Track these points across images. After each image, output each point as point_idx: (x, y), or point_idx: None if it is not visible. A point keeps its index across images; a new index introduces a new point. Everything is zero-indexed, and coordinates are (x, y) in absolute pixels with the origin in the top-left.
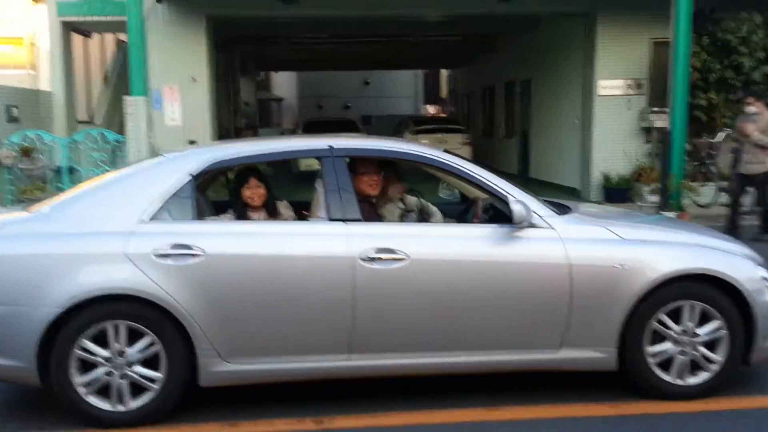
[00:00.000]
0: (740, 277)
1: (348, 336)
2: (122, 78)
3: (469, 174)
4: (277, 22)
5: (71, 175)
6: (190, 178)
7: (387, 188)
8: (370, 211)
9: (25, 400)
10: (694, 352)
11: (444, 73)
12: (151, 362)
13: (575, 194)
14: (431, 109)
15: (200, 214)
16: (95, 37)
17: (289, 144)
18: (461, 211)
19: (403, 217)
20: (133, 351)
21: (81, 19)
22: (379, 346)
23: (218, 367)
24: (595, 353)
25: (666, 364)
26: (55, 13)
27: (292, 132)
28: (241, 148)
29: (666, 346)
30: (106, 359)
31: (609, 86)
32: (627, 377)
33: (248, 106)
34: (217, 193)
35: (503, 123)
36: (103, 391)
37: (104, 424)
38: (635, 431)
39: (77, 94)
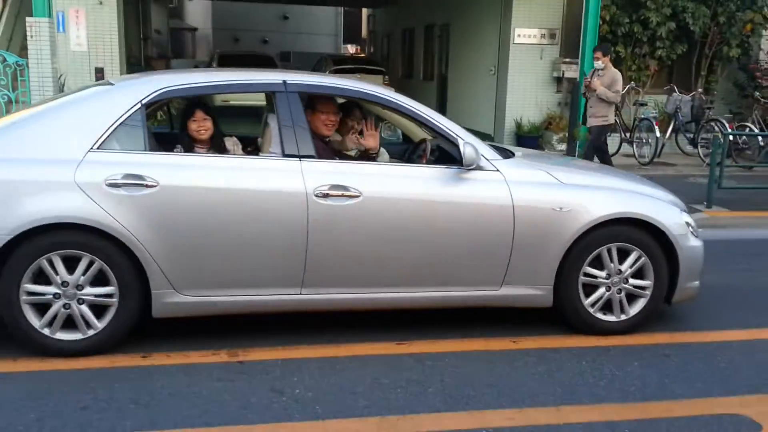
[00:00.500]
0: (667, 222)
1: (300, 270)
2: None
3: (421, 116)
4: None
5: None
6: (140, 106)
7: (346, 127)
8: (325, 148)
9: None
10: (626, 286)
11: (365, 12)
12: (101, 283)
13: (488, 140)
14: (351, 49)
15: (151, 145)
16: None
17: (241, 76)
18: (403, 150)
19: (355, 155)
20: (86, 278)
21: None
22: (330, 281)
23: (171, 299)
24: (533, 291)
25: (605, 305)
26: None
27: (207, 64)
28: (193, 77)
29: (600, 292)
30: (56, 294)
31: (524, 35)
32: (561, 314)
33: (160, 35)
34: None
35: (422, 66)
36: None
37: (75, 352)
38: (531, 364)
39: None
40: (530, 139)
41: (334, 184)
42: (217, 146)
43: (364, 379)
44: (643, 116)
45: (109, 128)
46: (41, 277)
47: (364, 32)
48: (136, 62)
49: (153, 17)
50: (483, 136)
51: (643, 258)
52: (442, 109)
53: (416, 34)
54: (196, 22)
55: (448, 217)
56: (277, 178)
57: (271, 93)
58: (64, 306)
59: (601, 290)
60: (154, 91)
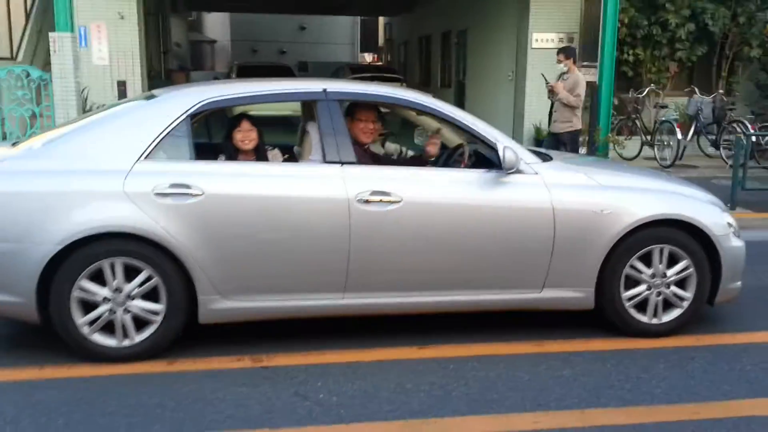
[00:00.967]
0: (709, 223)
1: (343, 275)
2: (46, 13)
3: (459, 120)
4: None
5: None
6: (186, 117)
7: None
8: (364, 154)
9: (34, 336)
10: (666, 291)
11: (382, 21)
12: (151, 297)
13: None
14: (368, 58)
15: (196, 154)
16: None
17: (283, 86)
18: (438, 155)
19: (386, 162)
20: (133, 286)
21: None
22: (372, 286)
23: (217, 305)
24: (574, 293)
25: (641, 304)
26: None
27: (226, 76)
28: (235, 88)
29: (641, 288)
30: (105, 298)
31: (542, 39)
32: (603, 316)
33: (179, 47)
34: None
35: (439, 73)
36: (107, 327)
37: (109, 359)
38: (556, 367)
39: None
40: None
41: (375, 189)
42: (260, 157)
43: (387, 384)
44: (663, 119)
45: (156, 139)
46: (97, 279)
47: (381, 41)
48: (156, 75)
49: (173, 30)
50: None
51: (690, 269)
52: None
53: (433, 42)
54: (215, 34)
55: (488, 220)
56: (319, 185)
57: (312, 101)
58: (110, 311)
59: (642, 289)
60: (199, 102)
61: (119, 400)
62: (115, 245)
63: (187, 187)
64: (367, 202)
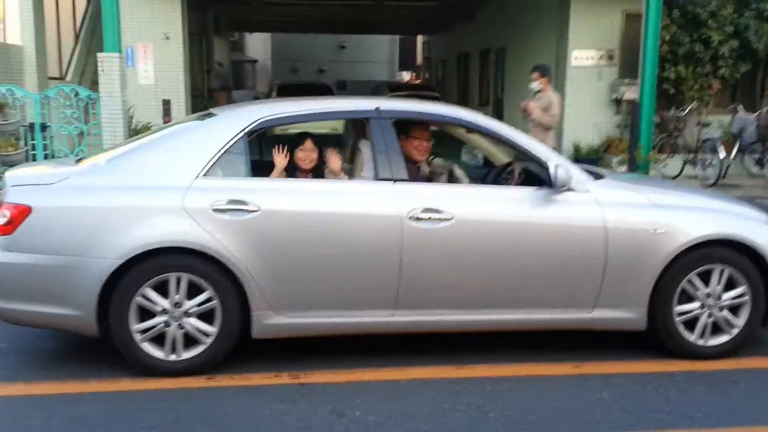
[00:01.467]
0: (764, 243)
1: (394, 292)
2: (94, 34)
3: (510, 138)
4: None
5: (43, 131)
6: (243, 134)
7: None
8: (415, 172)
9: (78, 350)
10: (718, 315)
11: (420, 39)
12: (206, 316)
13: None
14: (406, 76)
15: (252, 171)
16: None
17: (336, 104)
18: (485, 173)
19: (434, 179)
20: (191, 303)
21: None
22: (422, 303)
23: (270, 320)
24: (626, 314)
25: (691, 323)
26: None
27: (267, 95)
28: (290, 107)
29: (693, 306)
30: (164, 310)
31: (582, 57)
32: (655, 337)
33: (222, 67)
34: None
35: (478, 91)
36: (157, 340)
37: (155, 372)
38: (595, 389)
39: (48, 49)
40: (589, 162)
41: (427, 207)
42: (317, 177)
43: (424, 403)
44: (706, 137)
45: (214, 156)
46: (159, 290)
47: (419, 59)
48: (199, 94)
49: (216, 50)
50: None
51: (746, 296)
52: None
53: (471, 59)
54: (256, 54)
55: (540, 239)
56: (372, 202)
57: (365, 119)
58: (165, 323)
59: (695, 307)
60: (255, 120)
61: (159, 414)
62: (174, 260)
63: (244, 203)
64: (418, 219)
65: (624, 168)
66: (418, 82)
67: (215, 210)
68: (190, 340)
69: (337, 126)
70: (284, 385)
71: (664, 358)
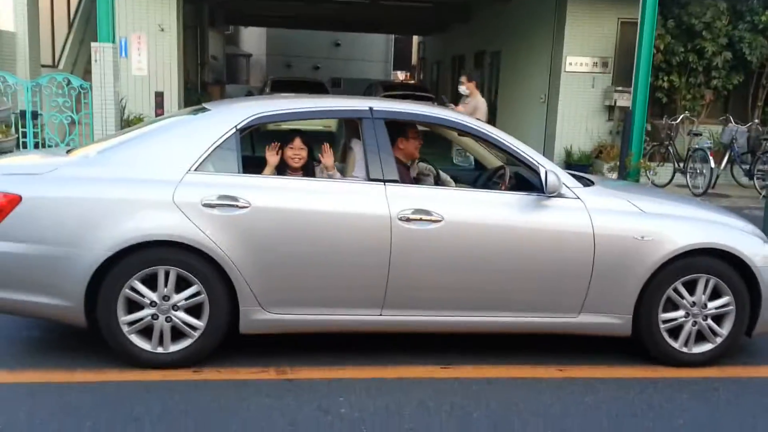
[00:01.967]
0: (750, 254)
1: (382, 292)
2: (88, 23)
3: (502, 142)
4: None
5: (34, 120)
6: (235, 131)
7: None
8: (405, 173)
9: (63, 339)
10: (702, 323)
11: (415, 40)
12: (194, 310)
13: None
14: (401, 76)
15: (244, 168)
16: None
17: (329, 103)
18: (476, 177)
19: (420, 181)
20: (179, 297)
21: None
22: (410, 303)
23: (258, 316)
24: (611, 319)
25: (675, 331)
26: None
27: (261, 90)
28: (283, 104)
29: (678, 314)
30: (152, 303)
31: (576, 63)
32: (639, 343)
33: (216, 60)
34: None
35: None
36: (145, 332)
37: (142, 364)
38: (578, 393)
39: (41, 36)
40: (580, 167)
41: (417, 208)
42: (307, 175)
43: (409, 402)
44: (697, 146)
45: (206, 151)
46: (148, 283)
47: (414, 59)
48: (192, 87)
49: (210, 43)
50: None
51: (730, 306)
52: None
53: (466, 61)
54: (251, 48)
55: (528, 243)
56: (362, 202)
57: (358, 119)
58: (153, 316)
59: (680, 315)
60: (248, 117)
61: (146, 405)
62: (162, 253)
63: (235, 199)
64: (408, 220)
65: (614, 175)
66: (412, 82)
67: (205, 205)
68: (177, 334)
69: (330, 123)
70: (271, 380)
71: (648, 365)
